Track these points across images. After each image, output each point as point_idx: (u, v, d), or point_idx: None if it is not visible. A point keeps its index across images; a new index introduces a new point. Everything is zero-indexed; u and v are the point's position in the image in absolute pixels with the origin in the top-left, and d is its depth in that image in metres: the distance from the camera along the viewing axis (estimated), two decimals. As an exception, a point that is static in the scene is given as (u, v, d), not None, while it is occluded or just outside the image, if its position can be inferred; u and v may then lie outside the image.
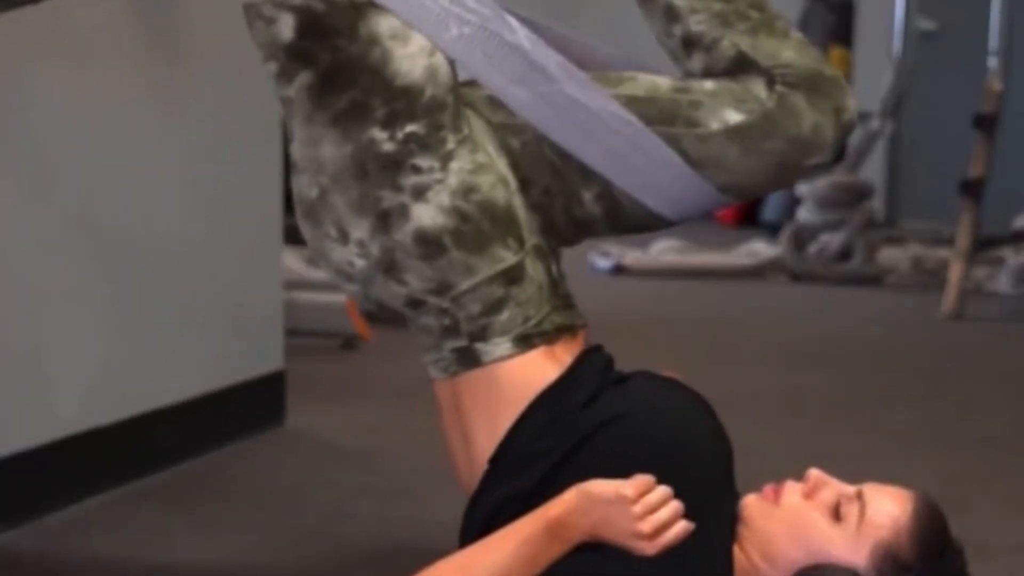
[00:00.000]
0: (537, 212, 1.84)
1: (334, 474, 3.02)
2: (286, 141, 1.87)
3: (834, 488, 1.72)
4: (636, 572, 1.63)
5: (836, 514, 1.68)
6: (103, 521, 2.65)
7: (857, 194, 6.88)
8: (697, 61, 1.88)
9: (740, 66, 1.84)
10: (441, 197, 1.75)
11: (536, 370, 1.79)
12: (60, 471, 2.68)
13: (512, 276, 1.77)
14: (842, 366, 4.55)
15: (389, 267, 1.78)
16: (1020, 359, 4.87)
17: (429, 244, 1.75)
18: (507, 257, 1.77)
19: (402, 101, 1.74)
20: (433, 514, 2.68)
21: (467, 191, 1.76)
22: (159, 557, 2.46)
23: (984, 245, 6.15)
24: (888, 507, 1.67)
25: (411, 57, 1.75)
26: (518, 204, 1.80)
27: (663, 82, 1.85)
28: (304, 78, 1.76)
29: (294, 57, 1.76)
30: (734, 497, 1.81)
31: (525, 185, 1.83)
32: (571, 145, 1.81)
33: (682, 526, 1.63)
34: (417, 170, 1.75)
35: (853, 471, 1.78)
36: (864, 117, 7.31)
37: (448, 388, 1.83)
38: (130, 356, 2.89)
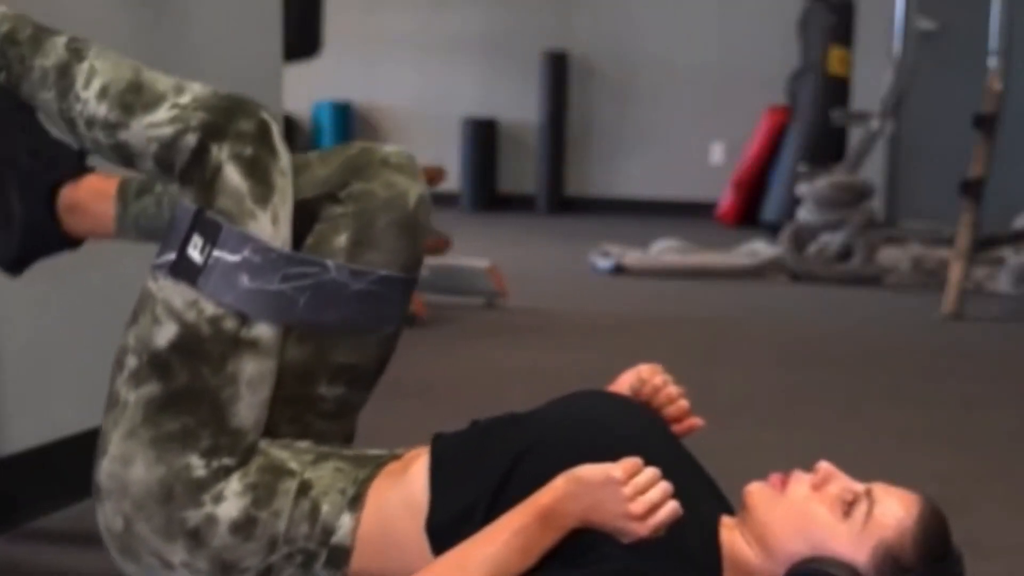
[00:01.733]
0: (301, 437, 1.94)
1: (334, 474, 3.01)
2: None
3: (843, 483, 1.72)
4: (625, 566, 1.63)
5: (843, 509, 1.68)
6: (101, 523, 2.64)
7: (857, 194, 6.89)
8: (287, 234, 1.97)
9: (307, 211, 1.95)
10: (232, 487, 1.84)
11: (395, 490, 1.83)
12: (60, 471, 2.68)
13: (305, 489, 1.85)
14: (842, 366, 4.55)
15: (225, 568, 1.84)
16: (1020, 359, 4.87)
17: (244, 527, 1.83)
18: (292, 484, 1.85)
19: (228, 438, 1.84)
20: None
21: (246, 472, 1.85)
22: (159, 557, 2.45)
23: (984, 245, 6.15)
24: (895, 508, 1.68)
25: (253, 407, 1.85)
26: (276, 451, 1.88)
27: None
28: (151, 389, 1.83)
29: (155, 365, 1.83)
30: (702, 478, 1.83)
31: (272, 433, 1.92)
32: (358, 326, 1.93)
33: (672, 505, 1.63)
34: (215, 487, 1.84)
35: (853, 471, 1.78)
36: (864, 117, 7.33)
37: None
38: (130, 356, 2.89)
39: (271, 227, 1.86)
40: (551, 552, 1.66)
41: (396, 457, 1.91)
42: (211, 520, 1.82)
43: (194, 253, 1.84)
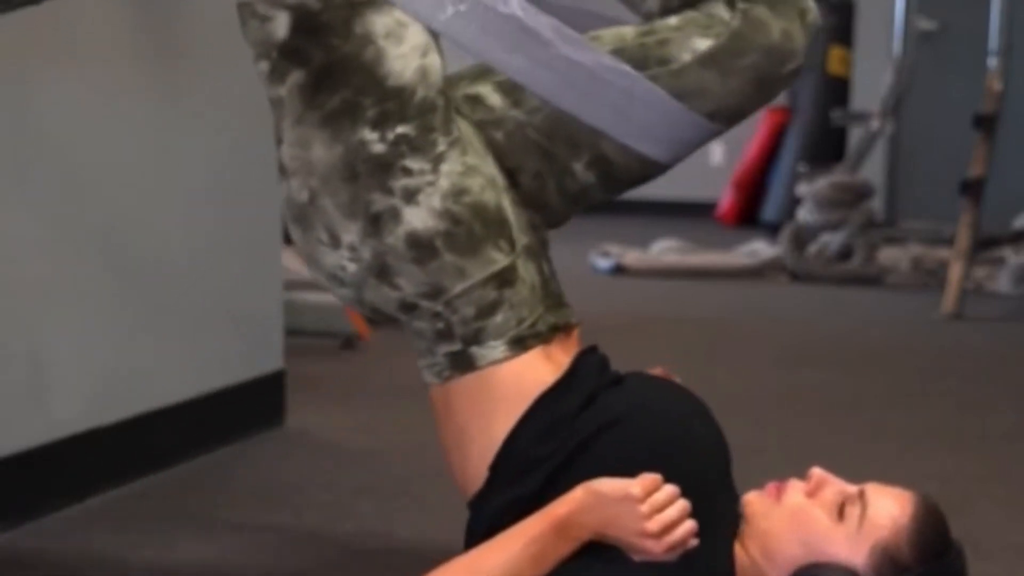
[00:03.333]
0: (530, 199, 1.85)
1: (334, 474, 3.02)
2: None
3: (836, 487, 1.72)
4: (628, 567, 1.63)
5: (838, 513, 1.68)
6: (103, 521, 2.65)
7: (857, 194, 6.89)
8: (652, 0, 1.87)
9: None
10: (432, 200, 1.74)
11: (532, 373, 1.79)
12: (60, 471, 2.68)
13: (505, 278, 1.77)
14: (842, 366, 4.55)
15: (381, 271, 1.76)
16: (1020, 359, 4.87)
17: (421, 247, 1.74)
18: (499, 259, 1.77)
19: (393, 102, 1.73)
20: (433, 514, 2.69)
21: (458, 194, 1.75)
22: (159, 557, 2.45)
23: (984, 245, 6.15)
24: (889, 508, 1.67)
25: (404, 57, 1.74)
26: (507, 204, 1.80)
27: (627, 31, 1.85)
28: (296, 77, 1.75)
29: (287, 56, 1.75)
30: (733, 496, 1.81)
31: (515, 174, 1.83)
32: (570, 105, 1.80)
33: (689, 525, 1.63)
34: (408, 172, 1.73)
35: (853, 471, 1.78)
36: (864, 117, 7.32)
37: (442, 394, 1.82)
38: (130, 356, 2.89)
39: None
40: (564, 561, 1.65)
41: (567, 329, 1.86)
42: (395, 215, 1.73)
43: None
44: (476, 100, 1.85)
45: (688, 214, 9.35)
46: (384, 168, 1.73)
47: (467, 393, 1.79)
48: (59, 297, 2.68)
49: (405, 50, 1.74)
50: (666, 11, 1.85)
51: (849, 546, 1.66)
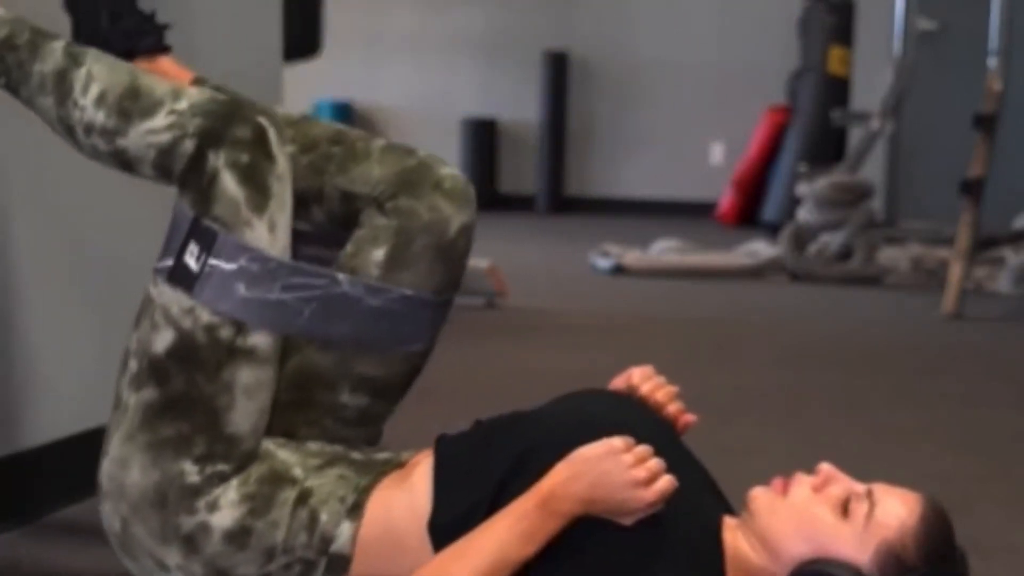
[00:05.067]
0: (317, 440, 1.94)
1: (334, 474, 3.01)
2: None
3: (844, 484, 1.72)
4: (619, 543, 1.64)
5: (844, 510, 1.68)
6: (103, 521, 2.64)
7: (857, 194, 6.89)
8: (317, 213, 2.01)
9: (350, 203, 1.98)
10: (229, 496, 1.84)
11: (396, 499, 1.83)
12: (60, 471, 2.68)
13: (304, 498, 1.85)
14: (842, 366, 4.55)
15: (219, 573, 1.85)
16: (1020, 359, 4.87)
17: (238, 536, 1.83)
18: (290, 494, 1.85)
19: (223, 445, 1.84)
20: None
21: (245, 480, 1.85)
22: (159, 557, 2.45)
23: (984, 245, 6.15)
24: (896, 508, 1.68)
25: (248, 414, 1.85)
26: (283, 457, 1.89)
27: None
28: (149, 395, 1.84)
29: (153, 370, 1.84)
30: (700, 471, 1.83)
31: (291, 434, 1.93)
32: (374, 342, 1.93)
33: (670, 477, 1.65)
34: (210, 493, 1.84)
35: (853, 471, 1.78)
36: (864, 117, 7.33)
37: None
38: (130, 356, 2.89)
39: (268, 235, 1.86)
40: (553, 542, 1.66)
41: (400, 464, 1.91)
42: (205, 528, 1.83)
43: (190, 261, 1.85)
44: None
45: (688, 214, 9.36)
46: (193, 495, 1.84)
47: (369, 568, 1.83)
48: (59, 297, 2.68)
49: (252, 408, 1.86)
50: (332, 221, 2.00)
51: (855, 544, 1.66)
